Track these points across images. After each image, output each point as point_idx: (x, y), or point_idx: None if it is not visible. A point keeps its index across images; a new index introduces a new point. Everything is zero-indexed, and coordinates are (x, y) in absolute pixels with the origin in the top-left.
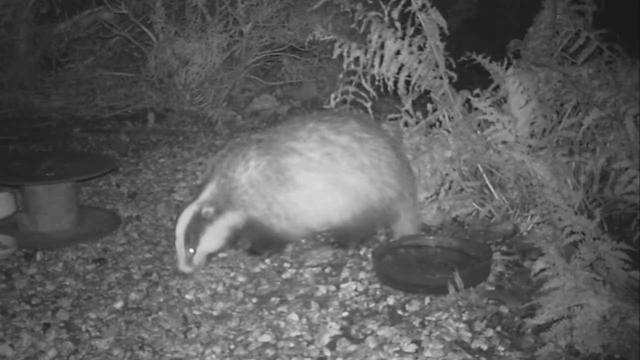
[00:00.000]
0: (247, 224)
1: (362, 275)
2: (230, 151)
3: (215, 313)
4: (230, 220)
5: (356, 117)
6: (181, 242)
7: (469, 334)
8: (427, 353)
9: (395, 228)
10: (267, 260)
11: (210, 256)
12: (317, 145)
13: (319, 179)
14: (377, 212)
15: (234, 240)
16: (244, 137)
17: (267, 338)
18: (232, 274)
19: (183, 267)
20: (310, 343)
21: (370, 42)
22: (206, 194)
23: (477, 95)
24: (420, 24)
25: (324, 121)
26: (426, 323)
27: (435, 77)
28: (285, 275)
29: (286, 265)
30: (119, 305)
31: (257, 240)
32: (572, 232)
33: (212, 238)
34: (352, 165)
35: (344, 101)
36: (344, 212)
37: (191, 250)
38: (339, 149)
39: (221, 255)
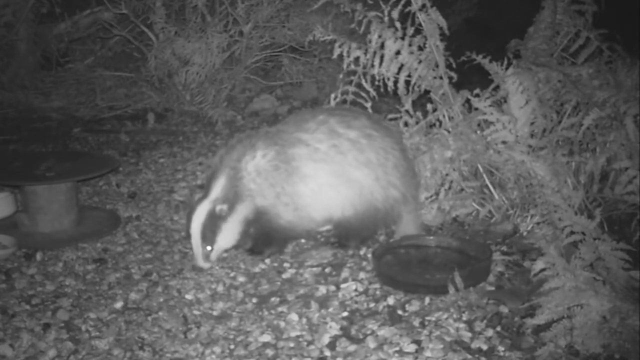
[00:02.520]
0: (255, 215)
1: (362, 275)
2: (239, 142)
3: (215, 313)
4: (241, 213)
5: (367, 115)
6: (198, 240)
7: (469, 334)
8: (427, 353)
9: (397, 229)
10: (267, 260)
11: (226, 251)
12: (325, 136)
13: (324, 170)
14: (380, 211)
15: (247, 233)
16: (252, 131)
17: (267, 338)
18: (232, 274)
19: (201, 263)
20: (310, 343)
21: (370, 42)
22: (217, 190)
23: (477, 95)
24: (420, 24)
25: (334, 115)
26: (426, 323)
27: (435, 77)
28: (285, 275)
29: (286, 265)
30: (119, 305)
31: (260, 235)
32: (572, 232)
33: (229, 234)
34: (359, 160)
35: (344, 101)
36: (347, 207)
37: (208, 248)
38: (346, 142)
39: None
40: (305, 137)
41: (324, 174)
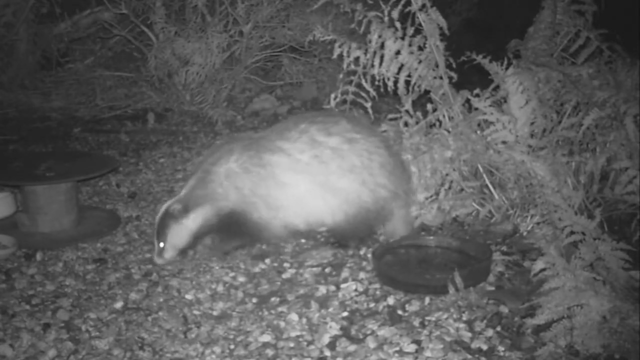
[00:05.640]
0: (219, 217)
1: (362, 275)
2: (220, 147)
3: (215, 313)
4: (199, 216)
5: (348, 118)
6: (155, 236)
7: (469, 334)
8: (427, 353)
9: (388, 227)
10: (267, 260)
11: (182, 251)
12: (307, 146)
13: (305, 180)
14: (371, 212)
15: (204, 236)
16: (239, 135)
17: (267, 338)
18: (232, 274)
19: (155, 258)
20: (310, 343)
21: (370, 42)
22: (185, 191)
23: (477, 95)
24: (420, 24)
25: (315, 122)
26: (426, 323)
27: (435, 77)
28: (285, 275)
29: (286, 265)
30: (119, 305)
31: (227, 231)
32: (572, 232)
33: (178, 234)
34: (342, 168)
35: (344, 101)
36: (337, 213)
37: (161, 244)
38: (328, 150)
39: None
40: (287, 147)
41: (306, 184)
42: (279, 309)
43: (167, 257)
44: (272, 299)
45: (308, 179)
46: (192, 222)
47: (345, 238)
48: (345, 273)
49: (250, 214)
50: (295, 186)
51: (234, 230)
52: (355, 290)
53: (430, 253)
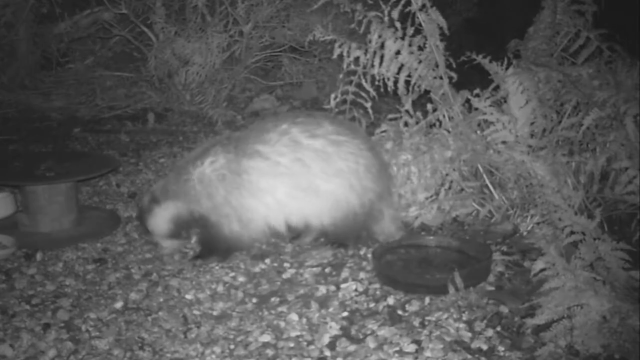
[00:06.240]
0: (192, 217)
1: (362, 275)
2: (201, 145)
3: (215, 313)
4: (171, 210)
5: (330, 119)
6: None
7: (469, 334)
8: (427, 353)
9: (379, 227)
10: (267, 260)
11: (171, 236)
12: (288, 149)
13: (285, 184)
14: (359, 215)
15: (179, 230)
16: (222, 134)
17: (267, 338)
18: (232, 274)
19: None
20: (310, 343)
21: (370, 42)
22: (157, 184)
23: (477, 95)
24: (420, 24)
25: (296, 123)
26: (426, 323)
27: (435, 77)
28: (285, 275)
29: (286, 265)
30: (119, 305)
31: (205, 241)
32: (572, 232)
33: (154, 224)
34: (327, 172)
35: (344, 101)
36: (325, 217)
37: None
38: (311, 153)
39: None
40: (265, 150)
41: (285, 188)
42: (279, 309)
43: (165, 245)
44: (272, 299)
45: (287, 183)
46: (164, 211)
47: (341, 238)
48: (345, 273)
49: (222, 228)
50: (272, 192)
51: (209, 238)
52: (355, 290)
53: (430, 253)
